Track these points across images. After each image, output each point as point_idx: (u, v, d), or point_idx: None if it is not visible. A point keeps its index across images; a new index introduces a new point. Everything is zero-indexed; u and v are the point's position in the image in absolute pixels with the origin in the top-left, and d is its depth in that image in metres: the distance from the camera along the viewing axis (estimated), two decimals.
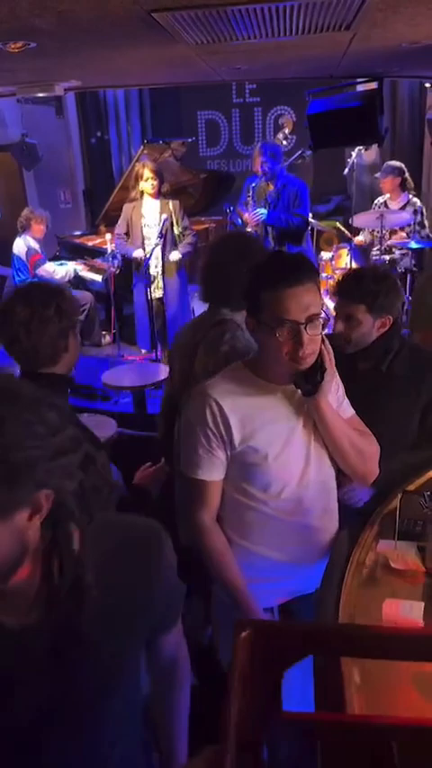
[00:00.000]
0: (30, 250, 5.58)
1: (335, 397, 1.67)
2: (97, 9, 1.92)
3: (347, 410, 1.74)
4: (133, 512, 1.63)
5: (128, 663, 1.07)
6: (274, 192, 4.81)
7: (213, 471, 1.62)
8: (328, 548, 1.74)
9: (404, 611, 1.51)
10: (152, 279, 5.17)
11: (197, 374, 1.96)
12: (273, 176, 4.78)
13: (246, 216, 4.93)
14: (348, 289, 2.04)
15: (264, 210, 4.80)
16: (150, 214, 5.10)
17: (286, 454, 1.60)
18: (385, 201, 5.47)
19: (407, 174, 5.42)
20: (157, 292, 5.24)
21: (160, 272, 5.17)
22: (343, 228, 5.75)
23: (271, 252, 1.76)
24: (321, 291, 1.61)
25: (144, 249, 5.05)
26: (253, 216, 4.84)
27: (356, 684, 1.34)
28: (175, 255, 5.12)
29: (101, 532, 0.99)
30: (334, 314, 2.14)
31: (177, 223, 5.13)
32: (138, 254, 5.09)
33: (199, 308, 5.40)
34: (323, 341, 1.56)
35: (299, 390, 1.58)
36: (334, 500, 1.76)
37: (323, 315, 1.53)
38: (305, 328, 1.47)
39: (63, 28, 2.13)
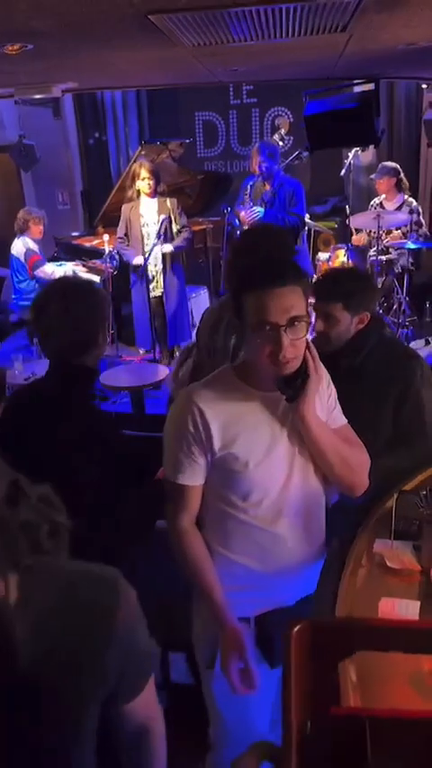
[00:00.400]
0: (28, 251, 5.58)
1: (324, 404, 1.63)
2: (94, 11, 1.93)
3: (338, 419, 1.69)
4: (159, 505, 1.66)
5: (77, 732, 0.92)
6: (270, 192, 4.83)
7: (194, 476, 1.58)
8: (311, 561, 1.69)
9: (400, 610, 1.52)
10: (151, 278, 5.18)
11: (218, 349, 1.95)
12: (270, 176, 4.81)
13: (242, 214, 4.94)
14: (326, 288, 2.11)
15: (260, 209, 4.82)
16: (148, 213, 5.12)
17: (267, 462, 1.55)
18: (381, 202, 5.49)
19: (402, 175, 5.45)
20: (156, 291, 5.26)
21: (160, 271, 5.18)
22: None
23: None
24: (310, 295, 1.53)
25: (144, 250, 5.06)
26: (249, 214, 4.85)
27: (353, 683, 1.35)
28: (167, 248, 5.12)
29: (47, 582, 0.88)
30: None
31: (176, 221, 5.15)
32: (137, 261, 5.12)
33: (197, 308, 5.45)
34: (308, 346, 1.52)
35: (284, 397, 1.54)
36: (320, 512, 1.69)
37: (310, 318, 1.50)
38: (285, 331, 1.43)
39: (60, 30, 2.14)
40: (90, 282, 1.93)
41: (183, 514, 1.61)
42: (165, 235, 5.05)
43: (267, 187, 4.86)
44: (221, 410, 1.54)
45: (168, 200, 5.16)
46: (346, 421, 1.71)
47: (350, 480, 1.64)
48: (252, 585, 1.62)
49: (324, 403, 1.63)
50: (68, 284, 1.86)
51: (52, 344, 1.79)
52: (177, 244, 5.19)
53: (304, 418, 1.52)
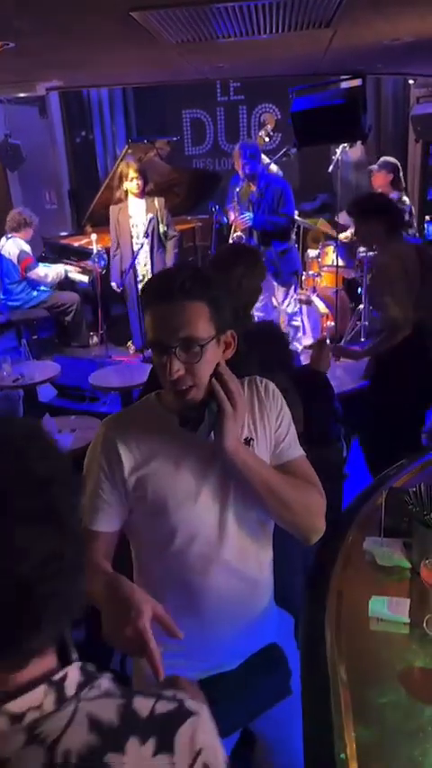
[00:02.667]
0: (22, 252, 5.54)
1: (267, 438, 1.39)
2: (77, 9, 1.92)
3: (289, 452, 1.42)
4: None
5: None
6: (257, 192, 4.81)
7: (106, 520, 1.34)
8: (254, 615, 1.44)
9: (390, 608, 1.52)
10: (141, 278, 5.17)
11: None
12: (254, 176, 4.77)
13: (233, 219, 4.94)
14: None
15: (250, 215, 4.81)
16: (137, 214, 5.12)
17: (191, 503, 1.33)
18: None
19: (400, 174, 5.42)
20: None
21: (149, 271, 5.18)
22: (326, 230, 5.76)
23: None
24: (210, 313, 1.24)
25: (132, 251, 5.06)
26: (240, 220, 4.85)
27: (343, 680, 1.35)
28: (168, 259, 5.20)
29: None
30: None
31: (161, 221, 5.15)
32: (114, 283, 5.30)
33: None
34: (218, 374, 1.29)
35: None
36: (263, 558, 1.45)
37: (205, 341, 1.25)
38: (175, 353, 1.24)
39: (42, 28, 2.12)
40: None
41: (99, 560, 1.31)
42: (152, 234, 5.04)
43: (253, 188, 4.84)
44: (137, 443, 1.33)
45: (156, 200, 5.15)
46: (302, 453, 1.46)
47: (298, 526, 1.40)
48: (188, 645, 1.22)
49: (268, 436, 1.40)
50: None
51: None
52: (172, 258, 5.27)
53: (226, 456, 1.29)
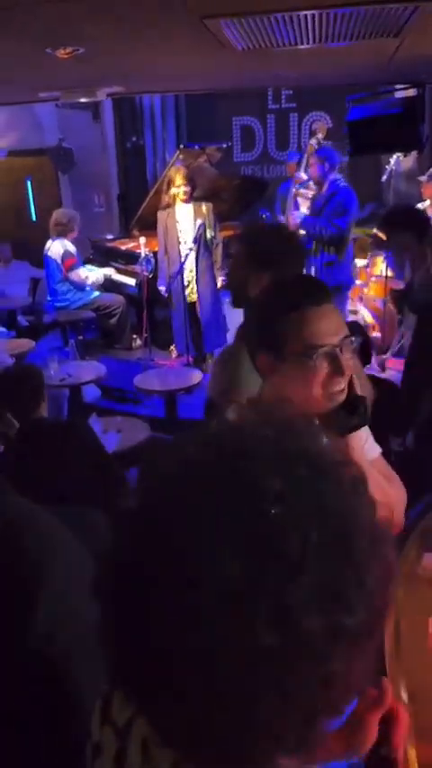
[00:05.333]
0: (66, 252, 5.64)
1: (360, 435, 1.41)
2: (150, 16, 1.93)
3: (373, 448, 1.45)
4: None
5: None
6: (324, 198, 4.77)
7: None
8: None
9: None
10: (187, 284, 5.20)
11: None
12: (323, 181, 4.76)
13: (289, 216, 4.95)
14: None
15: (301, 213, 4.82)
16: (185, 219, 5.16)
17: None
18: (425, 209, 5.40)
19: None
20: (191, 297, 5.29)
21: (195, 278, 5.21)
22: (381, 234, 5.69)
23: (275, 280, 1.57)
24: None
25: (180, 256, 5.10)
26: (293, 217, 4.86)
27: (402, 700, 1.32)
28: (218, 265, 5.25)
29: None
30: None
31: (209, 226, 5.18)
32: (162, 287, 5.34)
33: (229, 314, 5.45)
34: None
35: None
36: None
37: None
38: (342, 351, 1.25)
39: (114, 34, 2.14)
40: None
41: None
42: (200, 240, 5.07)
43: (322, 190, 4.81)
44: None
45: (204, 205, 5.18)
46: (380, 450, 1.49)
47: (387, 520, 1.45)
48: None
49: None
50: None
51: None
52: (219, 262, 5.35)
53: (351, 450, 1.27)
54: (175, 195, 5.16)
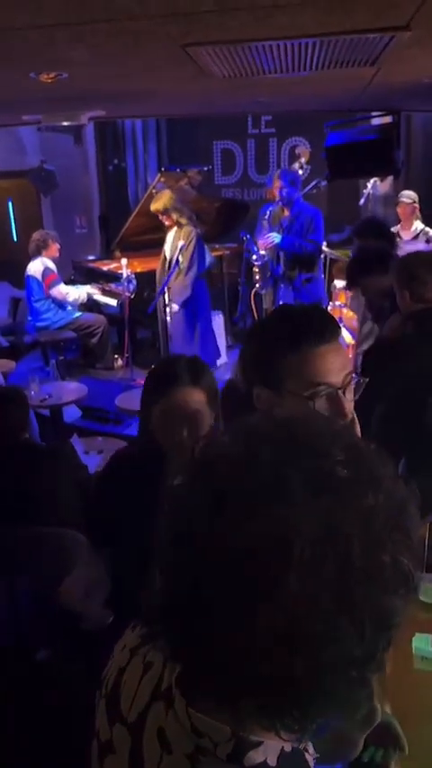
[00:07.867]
0: (47, 269, 5.66)
1: None
2: (132, 43, 1.97)
3: None
4: None
5: None
6: (289, 218, 4.90)
7: None
8: None
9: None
10: (168, 302, 5.24)
11: None
12: (289, 202, 4.89)
13: (260, 241, 5.02)
14: None
15: (277, 234, 4.88)
16: (169, 241, 5.26)
17: None
18: (398, 232, 5.53)
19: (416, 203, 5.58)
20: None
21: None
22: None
23: (279, 307, 1.51)
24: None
25: (164, 275, 5.16)
26: (266, 239, 4.93)
27: None
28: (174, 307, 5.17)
29: None
30: None
31: (182, 250, 5.22)
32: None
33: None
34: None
35: None
36: None
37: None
38: (344, 393, 1.19)
39: (98, 60, 2.18)
40: None
41: None
42: (177, 263, 5.13)
43: (286, 213, 4.93)
44: None
45: (185, 229, 5.24)
46: None
47: None
48: None
49: None
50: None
51: None
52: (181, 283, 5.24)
53: None
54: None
